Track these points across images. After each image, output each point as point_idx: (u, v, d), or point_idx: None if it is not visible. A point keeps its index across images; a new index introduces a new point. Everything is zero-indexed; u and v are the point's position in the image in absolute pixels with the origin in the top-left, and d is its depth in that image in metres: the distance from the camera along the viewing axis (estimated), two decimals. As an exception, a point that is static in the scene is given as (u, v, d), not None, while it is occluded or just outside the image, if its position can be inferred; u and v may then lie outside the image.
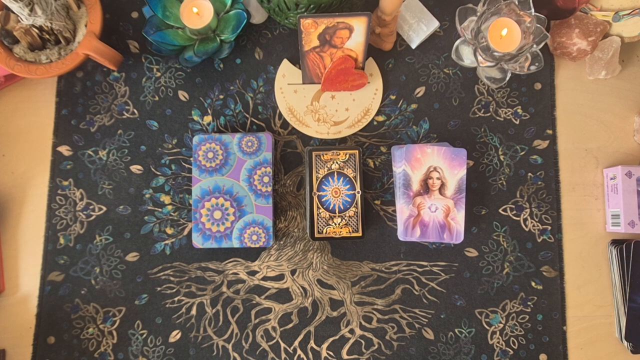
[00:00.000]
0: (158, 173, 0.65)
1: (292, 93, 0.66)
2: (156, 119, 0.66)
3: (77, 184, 0.64)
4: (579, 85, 0.67)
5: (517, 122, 0.66)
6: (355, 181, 0.61)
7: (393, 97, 0.66)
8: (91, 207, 0.64)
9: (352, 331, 0.62)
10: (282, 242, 0.64)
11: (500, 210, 0.65)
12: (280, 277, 0.63)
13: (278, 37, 0.67)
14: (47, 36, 0.60)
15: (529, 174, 0.65)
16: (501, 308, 0.63)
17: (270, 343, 0.62)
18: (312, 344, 0.62)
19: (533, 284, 0.63)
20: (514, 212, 0.65)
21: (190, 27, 0.62)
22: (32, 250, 0.63)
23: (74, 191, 0.64)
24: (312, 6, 0.57)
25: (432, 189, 0.59)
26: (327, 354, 0.62)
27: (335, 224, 0.60)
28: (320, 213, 0.60)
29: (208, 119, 0.66)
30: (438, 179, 0.60)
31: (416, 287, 0.63)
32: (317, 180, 0.61)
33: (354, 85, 0.64)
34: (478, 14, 0.59)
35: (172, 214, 0.64)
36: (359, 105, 0.65)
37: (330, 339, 0.62)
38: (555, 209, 0.65)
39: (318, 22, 0.56)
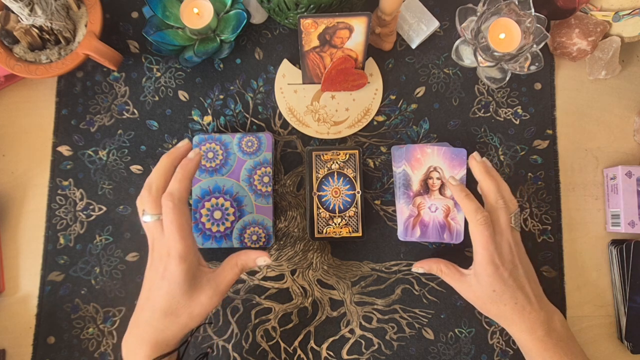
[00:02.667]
0: (158, 173, 0.65)
1: (292, 93, 0.66)
2: (156, 119, 0.66)
3: (77, 184, 0.64)
4: (579, 85, 0.67)
5: (517, 122, 0.66)
6: (355, 181, 0.61)
7: (393, 97, 0.66)
8: (91, 207, 0.64)
9: (352, 331, 0.62)
10: (282, 242, 0.64)
11: (500, 210, 0.64)
12: (280, 277, 0.63)
13: (278, 37, 0.67)
14: (47, 36, 0.60)
15: (529, 174, 0.65)
16: (501, 308, 0.63)
17: (270, 343, 0.62)
18: (312, 344, 0.62)
19: (533, 284, 0.63)
20: (514, 212, 0.65)
21: (190, 27, 0.62)
22: (32, 250, 0.63)
23: (74, 191, 0.64)
24: (312, 6, 0.57)
25: (432, 189, 0.59)
26: (327, 354, 0.62)
27: (335, 224, 0.60)
28: (320, 213, 0.60)
29: (208, 119, 0.66)
30: (438, 179, 0.60)
31: (416, 287, 0.63)
32: (317, 180, 0.61)
33: (354, 85, 0.64)
34: (478, 14, 0.59)
35: (172, 214, 0.64)
36: (359, 105, 0.65)
37: (330, 339, 0.62)
38: (555, 209, 0.65)
39: (318, 22, 0.56)
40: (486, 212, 0.53)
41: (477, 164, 0.56)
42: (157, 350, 0.47)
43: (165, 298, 0.47)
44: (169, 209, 0.47)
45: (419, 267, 0.59)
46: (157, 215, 0.49)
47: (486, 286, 0.53)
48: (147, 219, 0.49)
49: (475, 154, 0.58)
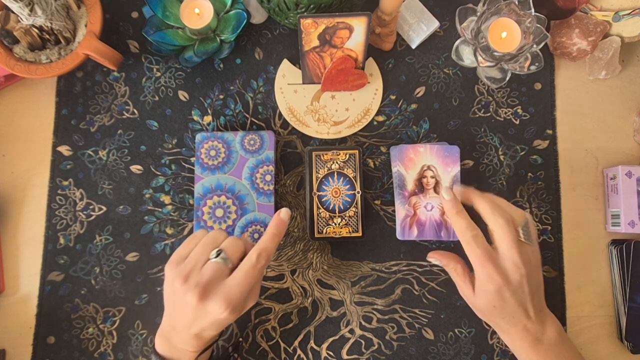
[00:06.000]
0: (158, 173, 0.65)
1: (292, 93, 0.66)
2: (156, 119, 0.66)
3: (77, 184, 0.64)
4: (579, 85, 0.67)
5: (517, 122, 0.66)
6: (355, 181, 0.61)
7: (393, 97, 0.66)
8: (91, 207, 0.64)
9: (352, 331, 0.62)
10: (282, 242, 0.64)
11: (500, 210, 0.64)
12: (280, 277, 0.63)
13: (278, 37, 0.67)
14: (47, 36, 0.60)
15: (529, 174, 0.65)
16: (501, 308, 0.63)
17: (270, 343, 0.62)
18: (312, 344, 0.62)
19: (533, 283, 0.63)
20: (514, 212, 0.64)
21: (190, 27, 0.62)
22: (32, 250, 0.63)
23: (74, 191, 0.64)
24: (312, 6, 0.57)
25: (426, 187, 0.59)
26: (327, 354, 0.62)
27: (335, 224, 0.60)
28: (320, 213, 0.60)
29: (208, 119, 0.66)
30: (432, 177, 0.60)
31: (416, 287, 0.63)
32: (317, 180, 0.61)
33: (354, 85, 0.64)
34: (478, 14, 0.59)
35: (172, 214, 0.64)
36: (359, 105, 0.65)
37: (330, 339, 0.62)
38: (555, 209, 0.65)
39: (318, 22, 0.56)
40: (477, 229, 0.51)
41: (465, 191, 0.55)
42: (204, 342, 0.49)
43: (202, 325, 0.47)
44: (253, 264, 0.47)
45: (434, 258, 0.56)
46: (233, 262, 0.48)
47: (486, 302, 0.51)
48: (218, 260, 0.47)
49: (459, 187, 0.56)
